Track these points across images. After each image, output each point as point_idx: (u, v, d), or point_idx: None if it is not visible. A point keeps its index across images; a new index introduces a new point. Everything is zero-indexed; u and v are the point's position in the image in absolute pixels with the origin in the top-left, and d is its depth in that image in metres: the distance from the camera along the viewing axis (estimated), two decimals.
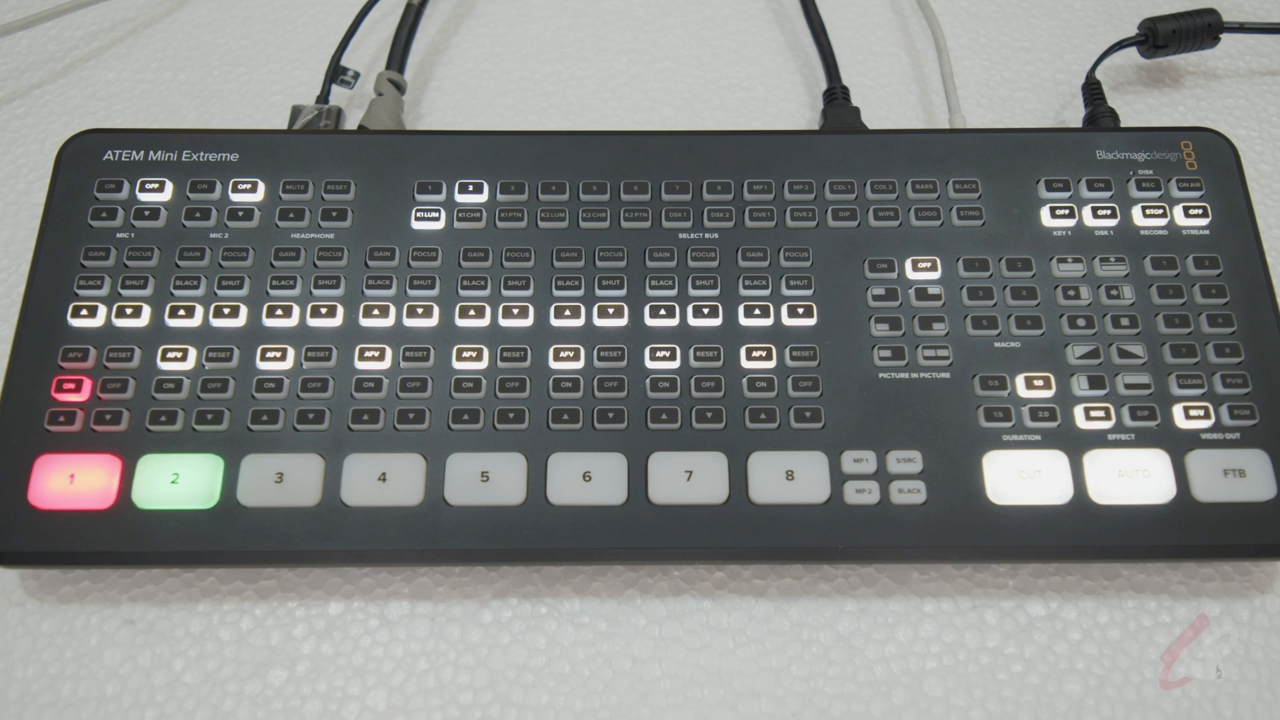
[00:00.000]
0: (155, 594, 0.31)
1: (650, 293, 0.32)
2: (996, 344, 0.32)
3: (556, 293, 0.32)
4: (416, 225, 0.33)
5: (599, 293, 0.32)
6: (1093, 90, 0.39)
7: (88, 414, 0.30)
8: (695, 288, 0.32)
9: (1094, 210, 0.34)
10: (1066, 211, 0.34)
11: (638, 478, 0.30)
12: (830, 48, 0.41)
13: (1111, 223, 0.34)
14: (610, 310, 0.32)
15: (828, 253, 0.33)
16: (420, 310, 0.32)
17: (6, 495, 0.29)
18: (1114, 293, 0.32)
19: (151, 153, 0.34)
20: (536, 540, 0.29)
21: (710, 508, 0.30)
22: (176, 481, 0.30)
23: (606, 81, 0.42)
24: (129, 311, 0.32)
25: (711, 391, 0.31)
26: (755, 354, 0.31)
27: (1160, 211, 0.34)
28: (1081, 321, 0.32)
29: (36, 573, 0.31)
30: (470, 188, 0.34)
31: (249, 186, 0.34)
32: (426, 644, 0.30)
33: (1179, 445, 0.30)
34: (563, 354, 0.31)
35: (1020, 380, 0.31)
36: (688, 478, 0.30)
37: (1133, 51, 0.41)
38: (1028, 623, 0.31)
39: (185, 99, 0.41)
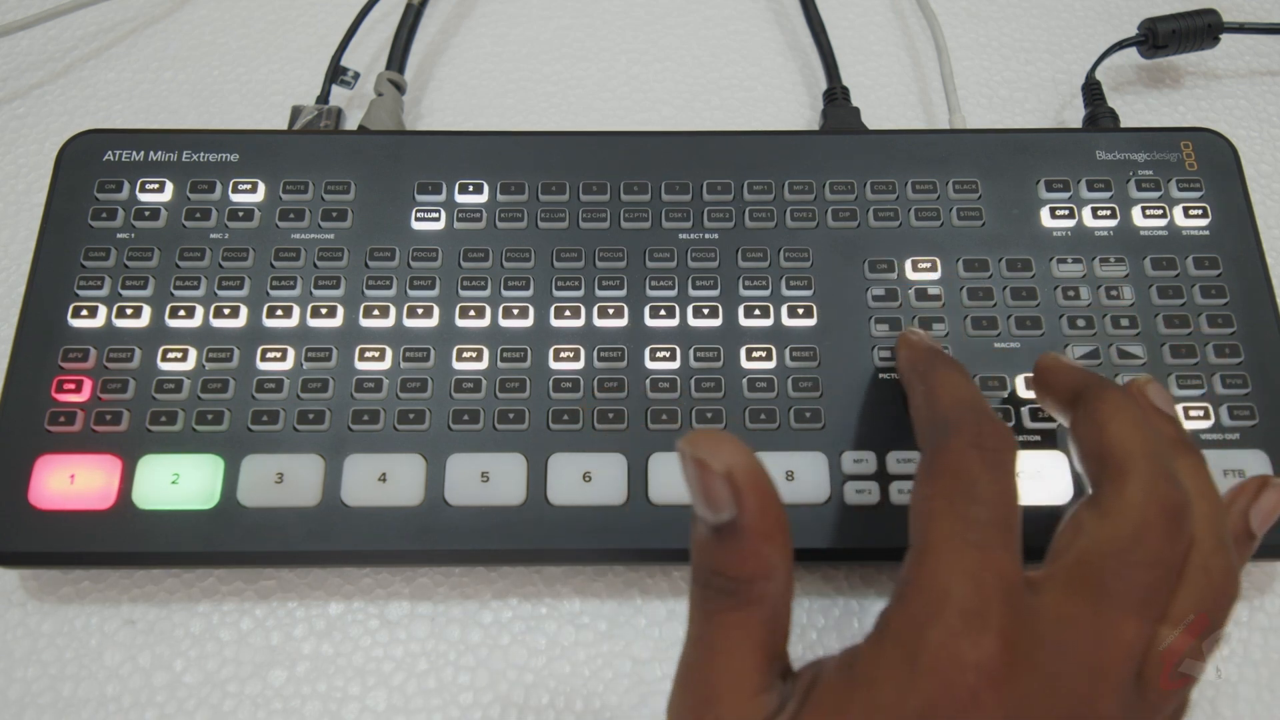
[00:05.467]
0: (155, 594, 0.31)
1: (650, 293, 0.32)
2: (996, 344, 0.32)
3: (556, 293, 0.32)
4: (416, 225, 0.33)
5: (599, 293, 0.32)
6: (1093, 90, 0.39)
7: (88, 414, 0.30)
8: (695, 288, 0.32)
9: (1094, 211, 0.34)
10: (1066, 212, 0.34)
11: (638, 478, 0.30)
12: (830, 48, 0.41)
13: (1111, 223, 0.34)
14: (610, 310, 0.32)
15: (828, 253, 0.33)
16: (420, 310, 0.32)
17: (7, 495, 0.29)
18: (1114, 293, 0.32)
19: (151, 153, 0.34)
20: (536, 540, 0.29)
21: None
22: (177, 482, 0.30)
23: (606, 81, 0.42)
24: (129, 312, 0.32)
25: (711, 392, 0.31)
26: (755, 354, 0.31)
27: (1160, 212, 0.34)
28: (1081, 322, 0.32)
29: (37, 573, 0.31)
30: (470, 188, 0.34)
31: (249, 187, 0.34)
32: (427, 644, 0.30)
33: None
34: (563, 354, 0.31)
35: (1020, 380, 0.31)
36: None
37: (1133, 52, 0.41)
38: None
39: (185, 99, 0.41)
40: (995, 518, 0.22)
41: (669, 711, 0.23)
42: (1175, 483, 0.23)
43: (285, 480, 0.30)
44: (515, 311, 0.32)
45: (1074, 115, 0.40)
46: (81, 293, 0.32)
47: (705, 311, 0.32)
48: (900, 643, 0.21)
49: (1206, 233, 0.33)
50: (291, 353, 0.31)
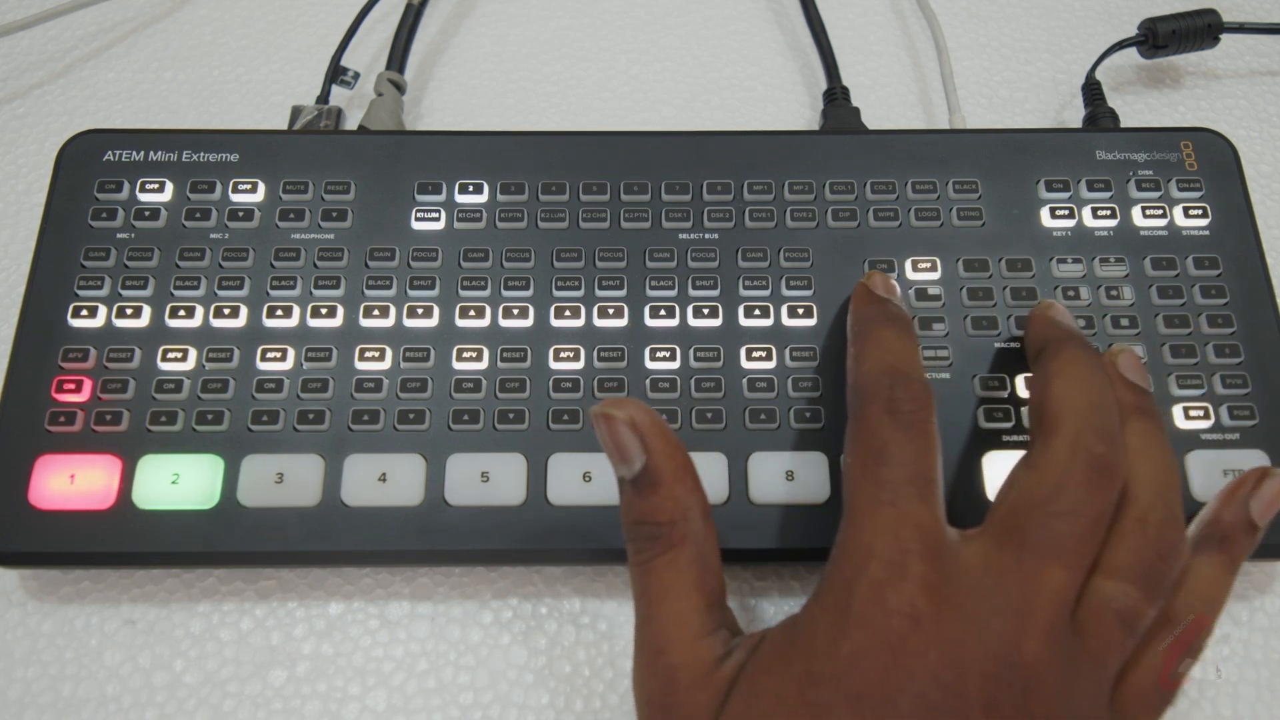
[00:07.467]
0: (155, 594, 0.31)
1: (650, 293, 0.32)
2: (996, 344, 0.32)
3: (556, 293, 0.32)
4: (416, 225, 0.33)
5: (599, 293, 0.32)
6: (1093, 90, 0.39)
7: (88, 414, 0.30)
8: (695, 288, 0.32)
9: (1094, 211, 0.34)
10: (1066, 212, 0.34)
11: None
12: (830, 48, 0.41)
13: (1111, 223, 0.34)
14: (610, 310, 0.32)
15: (828, 253, 0.33)
16: (420, 310, 0.32)
17: (7, 495, 0.29)
18: (1114, 293, 0.32)
19: (151, 153, 0.34)
20: (536, 540, 0.29)
21: (711, 508, 0.30)
22: (177, 482, 0.30)
23: (606, 81, 0.42)
24: (129, 312, 0.32)
25: (711, 392, 0.31)
26: (755, 354, 0.31)
27: (1160, 212, 0.34)
28: (1081, 322, 0.32)
29: (37, 573, 0.31)
30: (470, 188, 0.34)
31: (249, 187, 0.34)
32: (427, 644, 0.30)
33: (1179, 446, 0.30)
34: (563, 354, 0.31)
35: (1020, 380, 0.31)
36: None
37: (1133, 52, 0.41)
38: None
39: (185, 99, 0.41)
40: (909, 475, 0.24)
41: (633, 680, 0.25)
42: (1105, 439, 0.25)
43: (285, 480, 0.30)
44: (515, 311, 0.32)
45: (1074, 115, 0.40)
46: (81, 293, 0.32)
47: (705, 311, 0.32)
48: (833, 598, 0.23)
49: (1206, 233, 0.33)
50: (291, 353, 0.31)
